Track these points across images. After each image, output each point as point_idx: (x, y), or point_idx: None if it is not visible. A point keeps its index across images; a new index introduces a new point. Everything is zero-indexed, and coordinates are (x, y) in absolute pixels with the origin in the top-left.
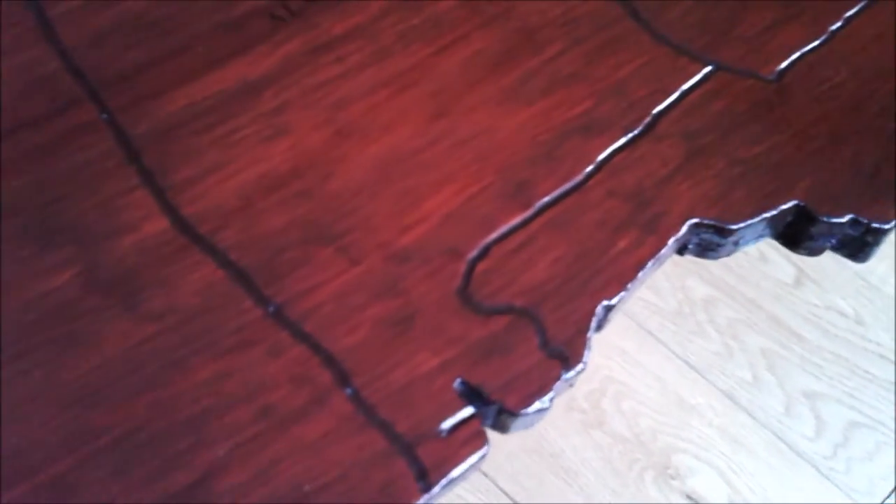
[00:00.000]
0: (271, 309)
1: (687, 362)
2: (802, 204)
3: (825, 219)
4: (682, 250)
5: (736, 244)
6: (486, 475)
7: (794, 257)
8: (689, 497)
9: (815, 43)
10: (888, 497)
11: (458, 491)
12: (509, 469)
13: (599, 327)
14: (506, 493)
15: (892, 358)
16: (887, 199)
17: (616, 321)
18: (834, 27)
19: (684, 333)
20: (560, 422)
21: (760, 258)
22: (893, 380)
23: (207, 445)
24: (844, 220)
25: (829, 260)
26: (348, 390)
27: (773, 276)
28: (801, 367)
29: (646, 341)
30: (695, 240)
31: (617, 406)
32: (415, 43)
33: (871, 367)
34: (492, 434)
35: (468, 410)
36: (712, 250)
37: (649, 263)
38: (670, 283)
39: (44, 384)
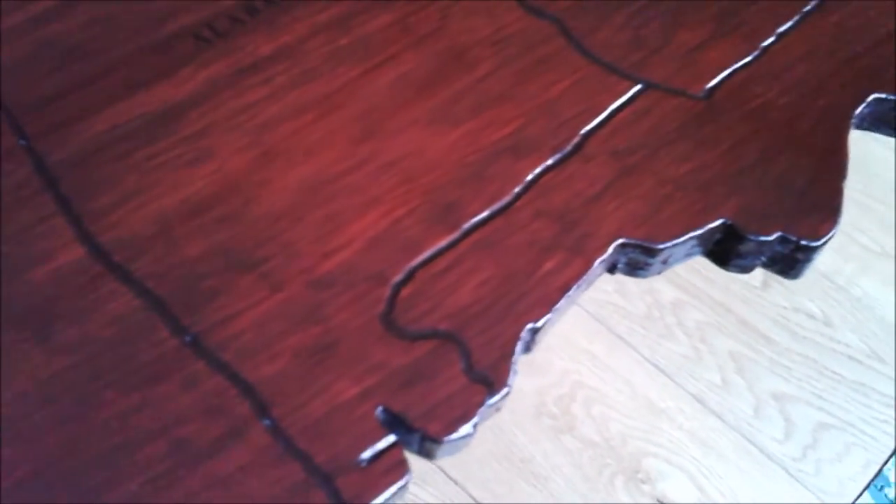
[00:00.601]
0: (188, 339)
1: (656, 366)
2: (730, 222)
3: (753, 237)
4: (612, 269)
5: (665, 263)
6: (455, 482)
7: None
8: (659, 501)
9: (747, 59)
10: (857, 498)
11: (428, 498)
12: (479, 475)
13: (527, 349)
14: (476, 500)
15: (861, 359)
16: (817, 216)
17: (585, 325)
18: (766, 43)
19: (653, 337)
20: (530, 427)
21: None
22: (862, 381)
23: (120, 481)
24: (772, 238)
25: None
26: (266, 421)
27: (741, 279)
28: (770, 369)
29: (615, 345)
30: (623, 259)
31: (587, 411)
32: (343, 64)
33: (840, 369)
34: None
35: (390, 439)
36: (641, 269)
37: (576, 285)
38: (639, 287)
39: None
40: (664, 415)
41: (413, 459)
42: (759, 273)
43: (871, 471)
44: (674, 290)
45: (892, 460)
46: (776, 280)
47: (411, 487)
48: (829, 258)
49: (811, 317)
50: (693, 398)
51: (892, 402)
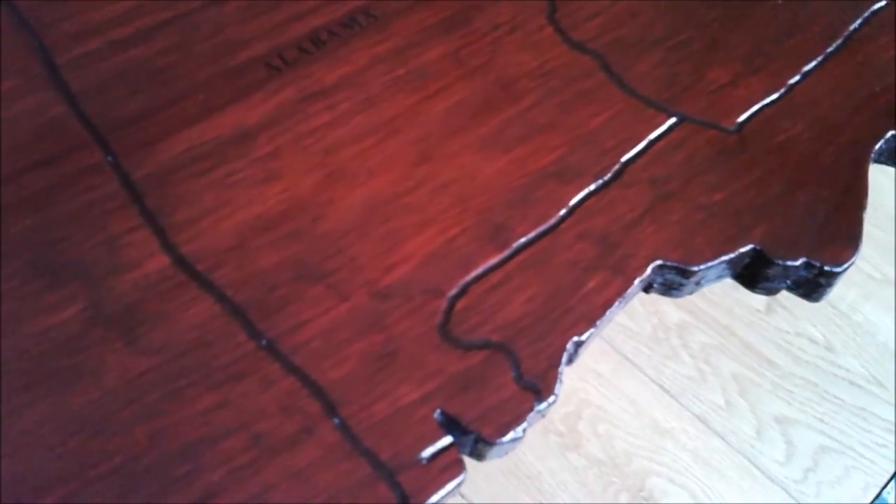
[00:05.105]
0: (264, 342)
1: (661, 386)
2: (759, 248)
3: (780, 262)
4: (647, 289)
5: (698, 284)
6: (463, 496)
7: None
8: None
9: (774, 96)
10: None
11: None
12: (487, 491)
13: (570, 361)
14: None
15: (861, 384)
16: (839, 243)
17: (592, 345)
18: (792, 81)
19: (659, 358)
20: (537, 444)
21: (733, 285)
22: (862, 405)
23: (203, 471)
24: (798, 263)
25: None
26: (336, 420)
27: (746, 303)
28: (773, 392)
29: (621, 365)
30: (659, 280)
31: (593, 429)
32: (401, 92)
33: (841, 393)
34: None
35: (447, 439)
36: (676, 289)
37: (617, 302)
38: (645, 309)
39: (49, 414)
40: (668, 435)
41: None
42: (763, 297)
43: (870, 494)
44: (679, 312)
45: (892, 484)
46: (780, 305)
47: None
48: None
49: (813, 342)
50: (697, 419)
51: (892, 427)
